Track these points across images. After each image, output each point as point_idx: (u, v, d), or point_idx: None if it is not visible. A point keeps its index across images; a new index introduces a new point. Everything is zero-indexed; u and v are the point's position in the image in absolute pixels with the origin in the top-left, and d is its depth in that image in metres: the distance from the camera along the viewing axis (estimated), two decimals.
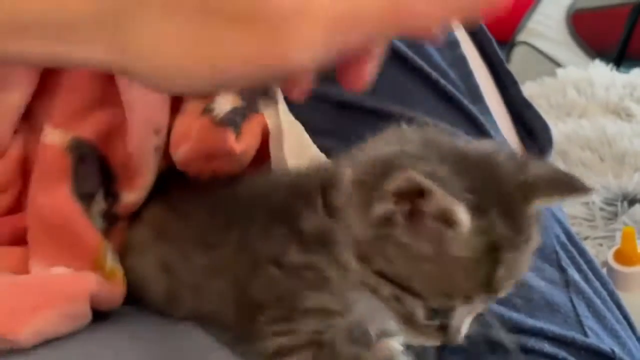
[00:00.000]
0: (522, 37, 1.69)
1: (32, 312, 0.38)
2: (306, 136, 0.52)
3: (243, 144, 0.49)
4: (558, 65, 1.44)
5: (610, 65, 1.20)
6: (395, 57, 0.52)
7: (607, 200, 0.90)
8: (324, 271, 0.35)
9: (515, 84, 0.61)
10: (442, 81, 0.52)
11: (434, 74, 0.52)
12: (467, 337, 0.36)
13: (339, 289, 0.35)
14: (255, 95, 0.54)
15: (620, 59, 1.46)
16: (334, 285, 0.35)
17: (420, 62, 0.52)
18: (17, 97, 0.46)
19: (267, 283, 0.37)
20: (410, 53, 0.52)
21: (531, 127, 0.60)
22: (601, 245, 0.87)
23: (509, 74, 0.61)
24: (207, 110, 0.47)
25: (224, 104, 0.49)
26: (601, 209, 0.90)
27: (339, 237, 0.34)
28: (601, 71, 1.16)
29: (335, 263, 0.35)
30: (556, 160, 0.96)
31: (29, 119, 0.48)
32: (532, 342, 0.46)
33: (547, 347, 0.46)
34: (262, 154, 0.52)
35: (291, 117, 0.53)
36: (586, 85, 1.10)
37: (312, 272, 0.35)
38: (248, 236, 0.38)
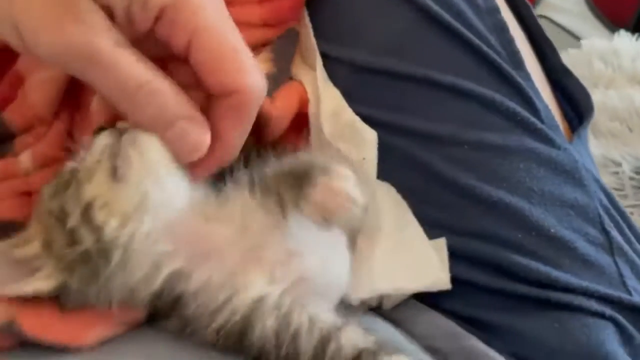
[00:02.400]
0: (540, 10, 1.67)
1: (94, 323, 0.39)
2: (343, 102, 0.52)
3: (278, 109, 0.50)
4: (577, 38, 1.43)
5: (637, 35, 1.19)
6: (435, 23, 0.52)
7: (637, 169, 0.90)
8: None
9: (554, 51, 0.60)
10: (485, 47, 0.51)
11: (476, 40, 0.51)
12: None
13: None
14: (287, 62, 0.54)
15: None
16: None
17: (462, 28, 0.52)
18: (57, 71, 0.47)
19: None
20: (450, 19, 0.52)
21: (571, 94, 0.60)
22: (632, 214, 0.87)
23: (547, 41, 0.60)
24: None
25: None
26: (631, 178, 0.89)
27: None
28: (626, 42, 1.15)
29: None
30: None
31: (76, 93, 0.49)
32: (579, 301, 0.46)
33: (595, 306, 0.47)
34: (301, 120, 0.53)
35: (330, 84, 0.53)
36: (612, 57, 1.09)
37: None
38: None
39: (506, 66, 0.52)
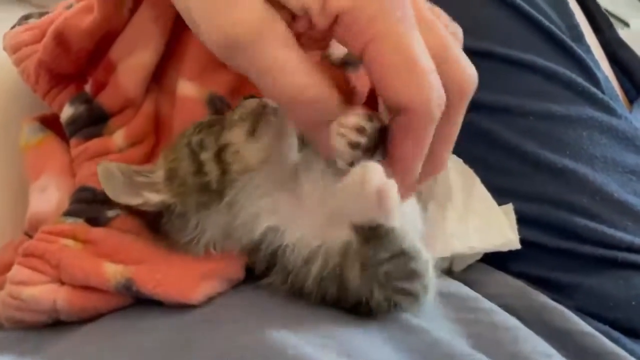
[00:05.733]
0: None
1: (200, 281, 0.42)
2: None
3: (360, 83, 0.52)
4: (623, 22, 1.42)
5: None
6: (499, 0, 0.54)
7: None
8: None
9: (611, 26, 0.62)
10: (546, 22, 0.54)
11: (538, 16, 0.54)
12: None
13: None
14: None
15: None
16: None
17: (524, 4, 0.54)
18: (147, 57, 0.51)
19: None
20: None
21: (627, 66, 0.61)
22: None
23: (604, 16, 0.62)
24: (324, 56, 0.50)
25: (340, 48, 0.52)
26: None
27: None
28: None
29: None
30: None
31: (160, 80, 0.53)
32: None
33: None
34: (372, 97, 0.55)
35: None
36: None
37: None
38: None
39: (567, 39, 0.54)
